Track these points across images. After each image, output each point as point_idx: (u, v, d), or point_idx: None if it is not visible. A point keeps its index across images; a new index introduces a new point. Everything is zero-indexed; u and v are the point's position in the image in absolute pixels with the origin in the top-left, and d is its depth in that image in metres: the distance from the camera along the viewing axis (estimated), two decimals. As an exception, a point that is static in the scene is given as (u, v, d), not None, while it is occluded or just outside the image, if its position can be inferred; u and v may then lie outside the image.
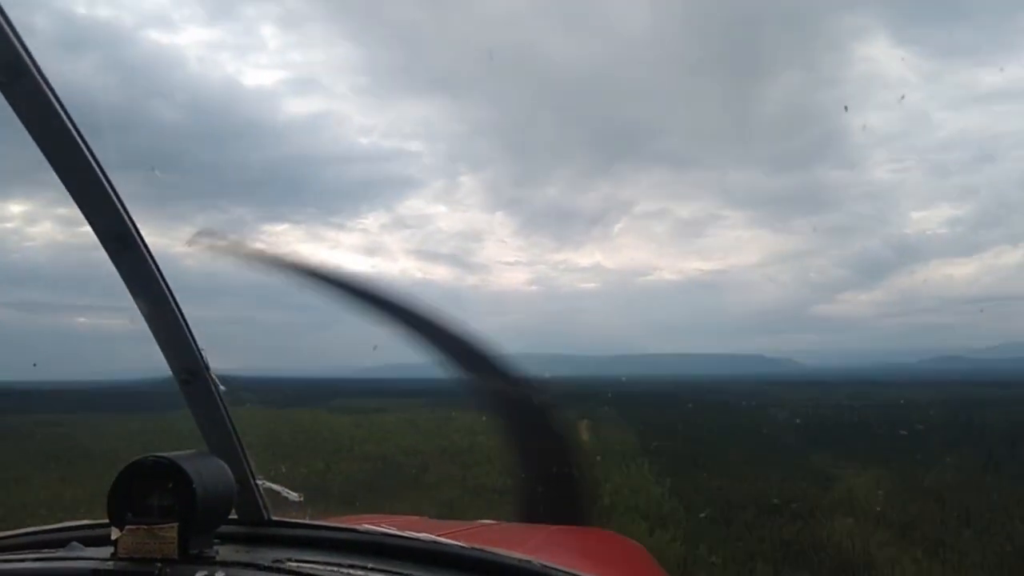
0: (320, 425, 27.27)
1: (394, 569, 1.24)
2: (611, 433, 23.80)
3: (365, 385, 70.41)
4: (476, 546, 1.34)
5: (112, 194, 1.20)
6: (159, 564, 1.15)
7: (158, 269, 1.28)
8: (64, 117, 1.12)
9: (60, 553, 1.29)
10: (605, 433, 23.81)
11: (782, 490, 13.56)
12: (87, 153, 1.16)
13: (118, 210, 1.22)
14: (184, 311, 1.33)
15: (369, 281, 2.42)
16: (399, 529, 1.40)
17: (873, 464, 17.08)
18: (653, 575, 2.19)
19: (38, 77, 1.08)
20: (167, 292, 1.30)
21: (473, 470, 16.77)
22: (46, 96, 1.10)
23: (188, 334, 1.33)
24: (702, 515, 12.59)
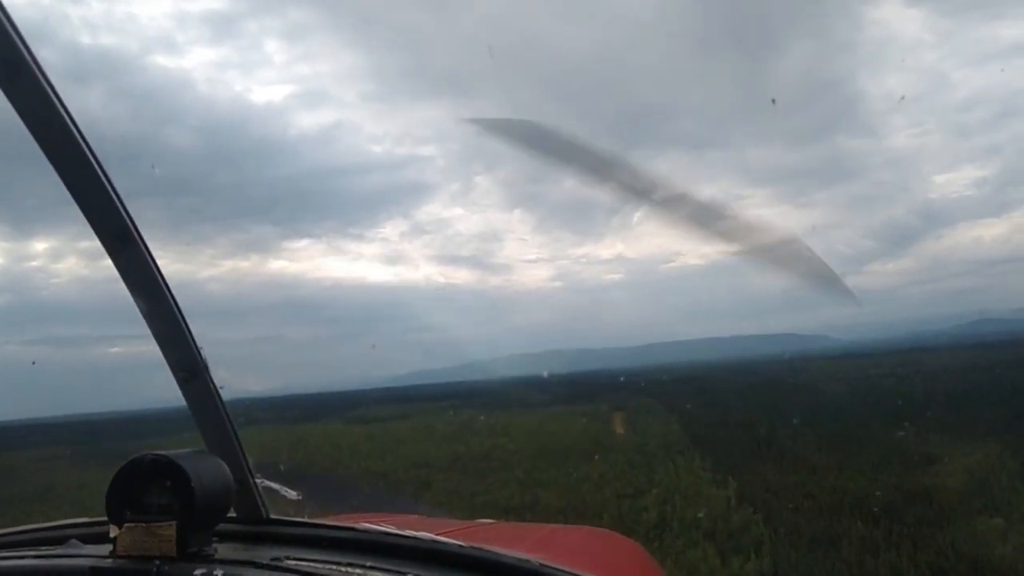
0: (328, 439, 24.27)
1: (392, 568, 1.21)
2: (650, 425, 20.45)
3: (393, 393, 67.64)
4: (474, 545, 1.30)
5: (112, 192, 1.19)
6: (158, 562, 1.14)
7: (157, 268, 1.26)
8: (64, 114, 1.11)
9: (59, 550, 1.28)
10: (644, 425, 20.45)
11: (882, 483, 10.02)
12: (87, 151, 1.15)
13: (117, 208, 1.20)
14: (186, 315, 1.31)
15: None
16: (398, 528, 1.36)
17: (976, 439, 13.46)
18: (650, 573, 2.12)
19: (38, 73, 1.07)
20: (166, 291, 1.27)
21: (487, 480, 13.43)
22: (45, 92, 1.08)
23: (187, 333, 1.31)
24: (699, 515, 9.32)
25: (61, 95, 1.09)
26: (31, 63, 1.04)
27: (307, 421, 34.48)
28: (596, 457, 15.12)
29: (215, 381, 1.33)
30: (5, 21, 1.00)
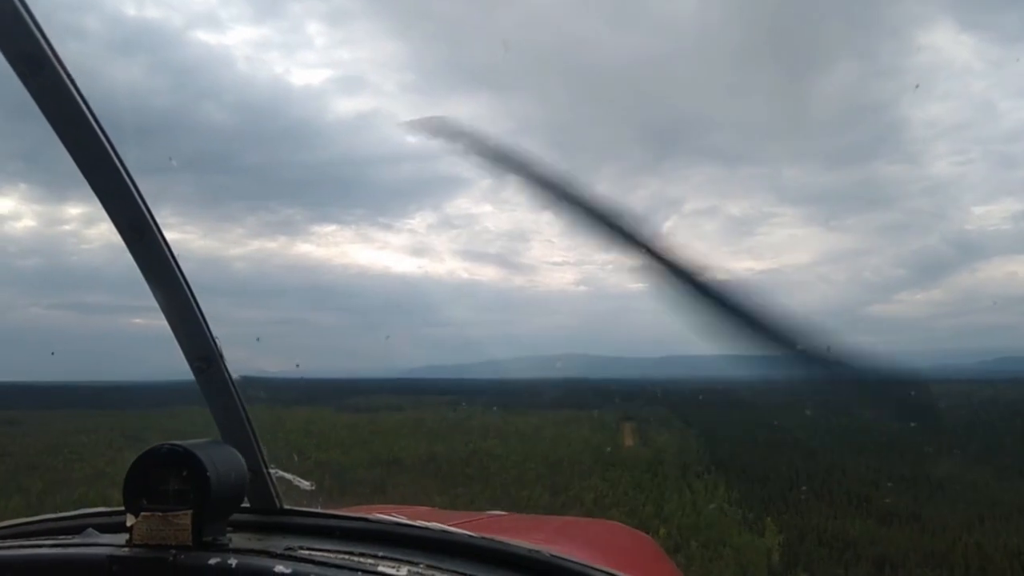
0: (307, 425, 21.62)
1: (404, 558, 1.21)
2: (665, 438, 17.35)
3: (401, 384, 65.12)
4: (486, 536, 1.30)
5: (130, 184, 1.20)
6: (173, 551, 1.14)
7: (174, 259, 1.28)
8: (84, 108, 1.12)
9: (76, 539, 1.29)
10: (657, 438, 17.36)
11: (992, 547, 6.84)
12: (106, 144, 1.16)
13: (135, 200, 1.22)
14: (200, 301, 1.31)
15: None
16: (410, 518, 1.37)
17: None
18: (661, 565, 2.09)
19: (59, 68, 1.07)
20: (183, 281, 1.29)
21: (455, 491, 10.57)
22: (67, 87, 1.09)
23: (203, 323, 1.32)
24: (712, 506, 6.66)
25: (82, 90, 1.09)
26: (52, 58, 1.05)
27: (299, 404, 32.22)
28: (614, 469, 12.11)
29: (230, 370, 1.34)
30: (27, 16, 1.00)
